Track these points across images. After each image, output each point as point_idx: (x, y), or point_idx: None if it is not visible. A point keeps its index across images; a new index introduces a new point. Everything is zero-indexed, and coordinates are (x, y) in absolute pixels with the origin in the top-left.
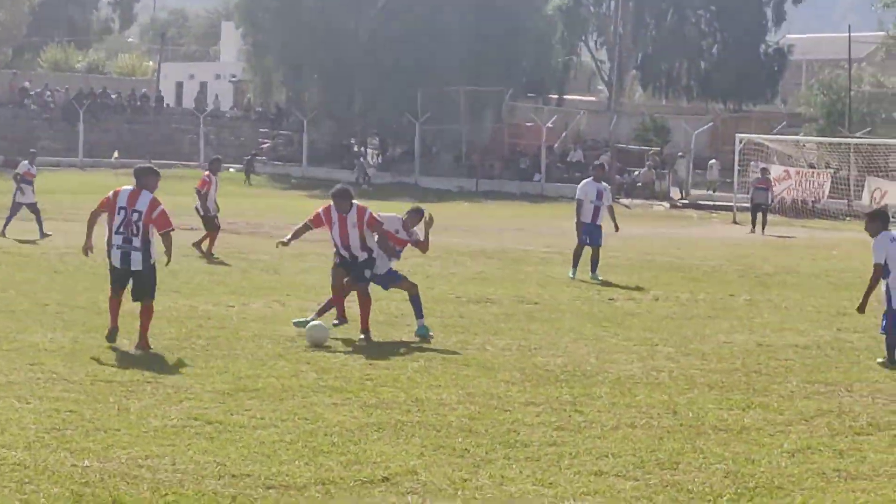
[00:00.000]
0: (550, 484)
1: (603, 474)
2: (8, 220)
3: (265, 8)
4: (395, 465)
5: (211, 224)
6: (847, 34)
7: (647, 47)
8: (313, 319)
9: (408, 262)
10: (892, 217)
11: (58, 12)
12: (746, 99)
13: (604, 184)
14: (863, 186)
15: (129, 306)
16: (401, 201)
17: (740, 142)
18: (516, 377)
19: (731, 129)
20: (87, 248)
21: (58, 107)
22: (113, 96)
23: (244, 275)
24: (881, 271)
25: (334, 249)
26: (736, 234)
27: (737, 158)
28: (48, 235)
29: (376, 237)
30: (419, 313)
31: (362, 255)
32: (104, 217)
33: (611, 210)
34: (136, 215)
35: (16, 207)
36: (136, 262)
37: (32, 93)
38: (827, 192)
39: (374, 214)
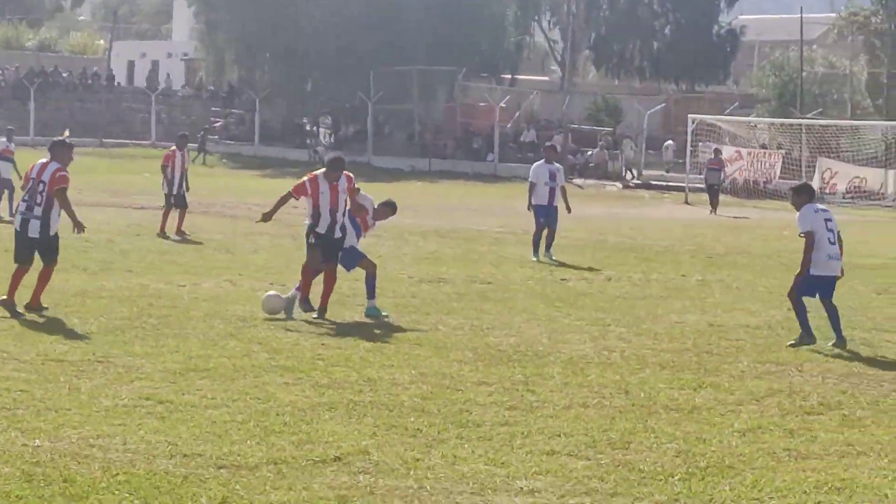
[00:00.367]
0: (503, 464)
1: (555, 454)
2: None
3: None
4: (347, 445)
5: (180, 201)
6: (799, 16)
7: (600, 28)
8: (289, 297)
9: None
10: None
11: None
12: (699, 80)
13: (556, 165)
14: (814, 167)
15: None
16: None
17: (693, 122)
18: (469, 357)
19: (684, 109)
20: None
21: (8, 85)
22: (64, 75)
23: (196, 254)
24: (812, 238)
25: (309, 222)
26: (688, 215)
27: (689, 139)
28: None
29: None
30: (371, 294)
31: (339, 233)
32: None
33: (563, 191)
34: (41, 185)
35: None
36: (34, 230)
37: None
38: (778, 173)
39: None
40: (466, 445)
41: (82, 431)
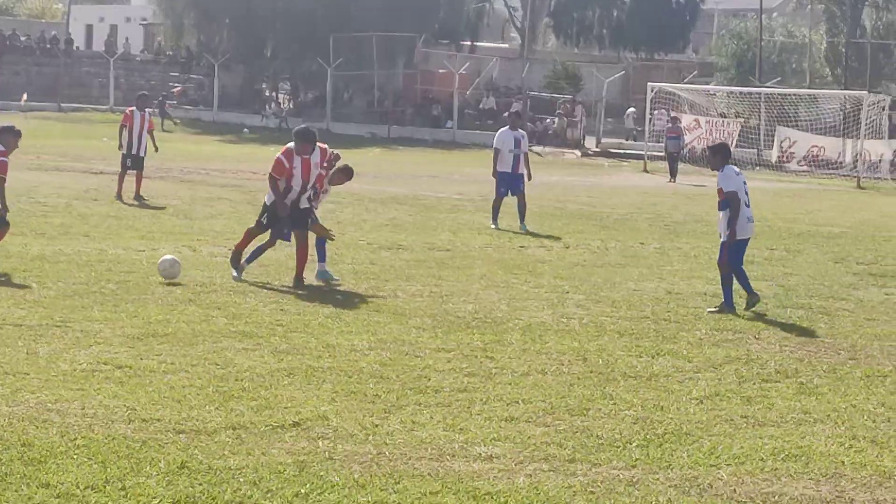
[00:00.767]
0: (461, 430)
1: (513, 420)
2: None
3: None
4: (306, 411)
5: (137, 163)
6: None
7: None
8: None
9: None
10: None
11: None
12: (658, 48)
13: (520, 131)
14: (772, 136)
15: (33, 249)
16: None
17: (652, 91)
18: (427, 324)
19: (643, 77)
20: None
21: None
22: (22, 38)
23: (154, 219)
24: (738, 198)
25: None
26: (646, 183)
27: (648, 107)
28: None
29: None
30: (322, 256)
31: (306, 203)
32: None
33: (526, 158)
34: None
35: None
36: None
37: None
38: (735, 141)
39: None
40: (425, 411)
41: (40, 396)
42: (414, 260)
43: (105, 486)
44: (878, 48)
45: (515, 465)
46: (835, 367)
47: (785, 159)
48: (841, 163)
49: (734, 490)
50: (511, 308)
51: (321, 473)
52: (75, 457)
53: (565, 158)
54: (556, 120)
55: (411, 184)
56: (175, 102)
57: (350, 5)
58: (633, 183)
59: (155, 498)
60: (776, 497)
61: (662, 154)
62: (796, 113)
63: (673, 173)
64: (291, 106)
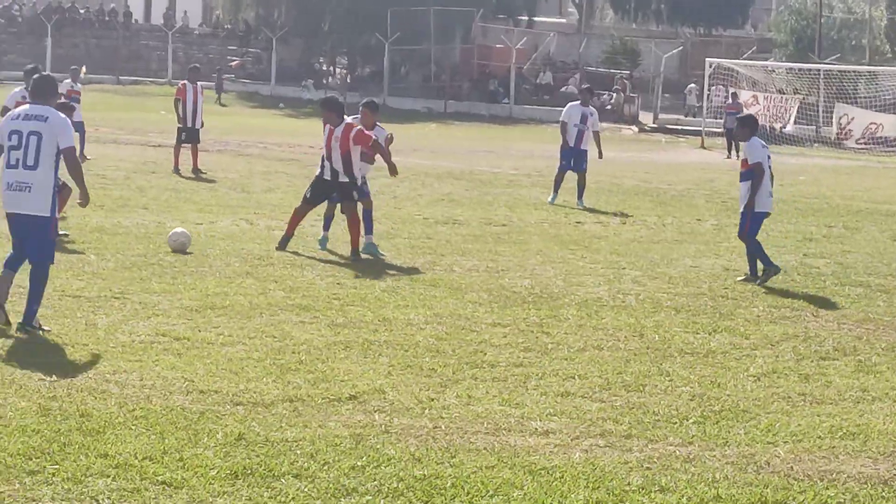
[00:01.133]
0: (517, 404)
1: (569, 395)
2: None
3: None
4: (363, 384)
5: (192, 135)
6: None
7: None
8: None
9: (376, 183)
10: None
11: None
12: (717, 24)
13: (590, 108)
14: (831, 113)
15: (93, 221)
16: None
17: (710, 66)
18: (484, 298)
19: (701, 53)
20: None
21: (25, 21)
22: (81, 11)
23: (212, 192)
24: (762, 169)
25: (320, 171)
26: (704, 159)
27: (706, 83)
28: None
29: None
30: (369, 229)
31: (344, 178)
32: None
33: (596, 136)
34: None
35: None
36: None
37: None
38: (794, 118)
39: (364, 131)
40: (481, 386)
41: (99, 367)
42: (470, 235)
43: (163, 457)
44: None
45: (571, 440)
46: (893, 346)
47: (843, 136)
48: None
49: (791, 468)
50: (567, 284)
51: (377, 446)
52: (133, 427)
53: (622, 134)
54: (614, 95)
55: (467, 159)
56: (233, 77)
57: None
58: (691, 159)
59: (212, 469)
60: (834, 475)
61: (720, 130)
62: (855, 90)
63: (731, 149)
64: (349, 80)
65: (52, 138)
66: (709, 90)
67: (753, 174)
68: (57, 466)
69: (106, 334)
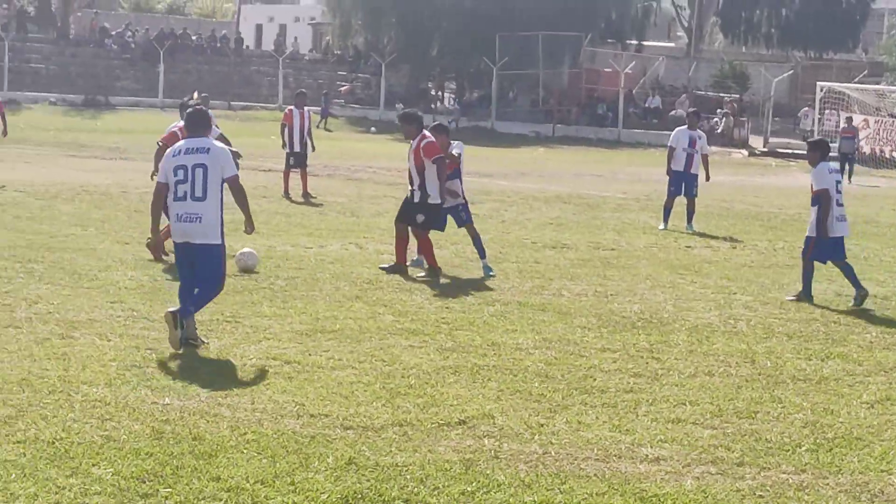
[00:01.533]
0: (627, 430)
1: (680, 422)
2: None
3: None
4: (472, 409)
5: (300, 160)
6: None
7: None
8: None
9: (484, 207)
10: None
11: None
12: (827, 47)
13: (698, 131)
14: None
15: None
16: (477, 146)
17: (821, 90)
18: (592, 323)
19: (812, 77)
20: None
21: (138, 47)
22: (193, 38)
23: (322, 216)
24: (828, 196)
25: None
26: None
27: (817, 107)
28: None
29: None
30: (482, 253)
31: (416, 194)
32: None
33: (705, 159)
34: None
35: None
36: None
37: (113, 33)
38: None
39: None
40: (591, 412)
41: (211, 390)
42: (578, 259)
43: (274, 481)
44: None
45: (683, 467)
46: None
47: None
48: None
49: None
50: (677, 308)
51: (487, 472)
52: (245, 451)
53: (732, 158)
54: (723, 120)
55: (575, 182)
56: (342, 102)
57: (516, 4)
58: (802, 183)
59: (323, 493)
60: None
61: (834, 154)
62: None
63: (844, 172)
64: (457, 105)
65: (216, 169)
66: (820, 114)
67: (820, 200)
68: (170, 490)
69: (218, 358)
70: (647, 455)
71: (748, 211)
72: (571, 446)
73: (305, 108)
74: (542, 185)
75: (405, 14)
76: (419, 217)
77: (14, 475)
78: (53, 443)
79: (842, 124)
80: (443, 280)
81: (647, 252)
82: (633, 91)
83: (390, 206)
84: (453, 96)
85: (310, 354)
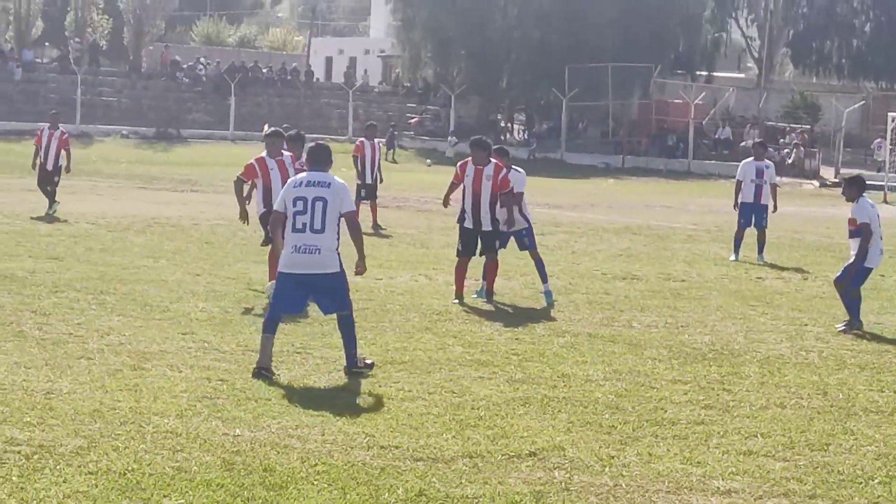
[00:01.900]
0: (699, 463)
1: (752, 454)
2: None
3: None
4: (542, 441)
5: (370, 192)
6: None
7: (798, 24)
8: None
9: (553, 238)
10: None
11: None
12: None
13: (766, 161)
14: None
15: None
16: (547, 177)
17: (892, 120)
18: (663, 354)
19: (883, 107)
20: None
21: (210, 80)
22: (264, 70)
23: (391, 248)
24: (870, 230)
25: (460, 220)
26: (886, 214)
27: (889, 137)
28: None
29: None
30: (544, 277)
31: (487, 224)
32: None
33: (773, 189)
34: None
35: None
36: None
37: (184, 66)
38: None
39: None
40: (662, 444)
41: (281, 421)
42: (649, 290)
43: None
44: None
45: (755, 500)
46: None
47: None
48: None
49: None
50: (748, 340)
51: None
52: (315, 482)
53: (803, 189)
54: (794, 150)
55: (645, 214)
56: (412, 134)
57: (586, 35)
58: None
59: None
60: None
61: None
62: None
63: None
64: (526, 136)
65: (336, 203)
66: (892, 145)
67: (861, 233)
68: None
69: (288, 389)
70: (718, 487)
71: (819, 242)
72: (642, 479)
73: (376, 140)
74: (612, 217)
75: (474, 46)
76: (496, 243)
77: None
78: (125, 474)
79: None
80: (512, 311)
81: (717, 283)
82: (703, 122)
83: None
84: (522, 128)
85: (380, 386)
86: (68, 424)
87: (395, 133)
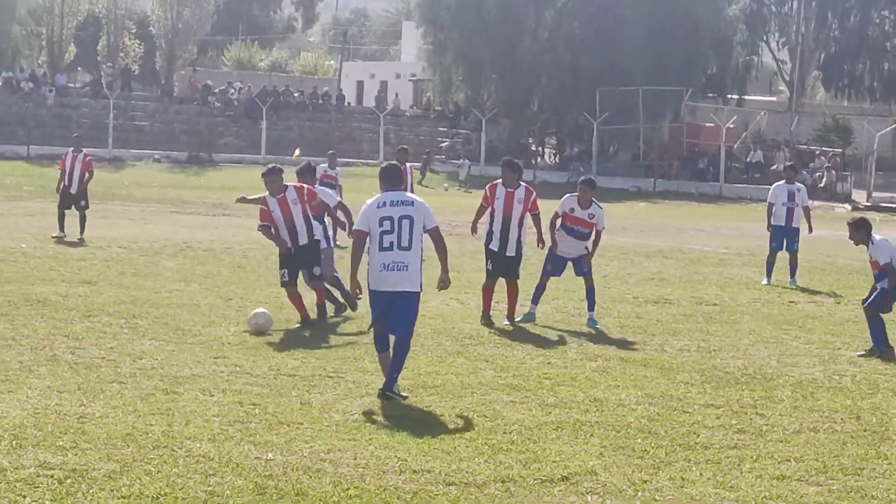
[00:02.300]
0: (731, 487)
1: (785, 479)
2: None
3: (446, 7)
4: (575, 465)
5: None
6: None
7: (830, 47)
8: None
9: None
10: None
11: (241, 11)
12: None
13: (797, 184)
14: None
15: (306, 301)
16: None
17: None
18: (696, 379)
19: None
20: None
21: (241, 104)
22: (295, 94)
23: (424, 272)
24: (893, 269)
25: (487, 242)
26: None
27: None
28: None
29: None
30: (591, 305)
31: (512, 250)
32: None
33: (806, 211)
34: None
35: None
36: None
37: (216, 90)
38: None
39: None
40: (694, 468)
41: (314, 445)
42: (681, 314)
43: None
44: None
45: None
46: None
47: None
48: None
49: None
50: (781, 364)
51: None
52: None
53: (835, 213)
54: (826, 174)
55: (676, 237)
56: (443, 157)
57: (617, 58)
58: None
59: None
60: None
61: None
62: None
63: None
64: (557, 160)
65: (420, 220)
66: None
67: (888, 274)
68: None
69: (320, 413)
70: None
71: (852, 266)
72: (675, 503)
73: (407, 164)
74: (644, 240)
75: (505, 70)
76: (519, 270)
77: None
78: (157, 498)
79: None
80: (543, 335)
81: (750, 307)
82: (735, 146)
83: None
84: (553, 151)
85: (411, 410)
86: (101, 448)
87: (429, 158)
